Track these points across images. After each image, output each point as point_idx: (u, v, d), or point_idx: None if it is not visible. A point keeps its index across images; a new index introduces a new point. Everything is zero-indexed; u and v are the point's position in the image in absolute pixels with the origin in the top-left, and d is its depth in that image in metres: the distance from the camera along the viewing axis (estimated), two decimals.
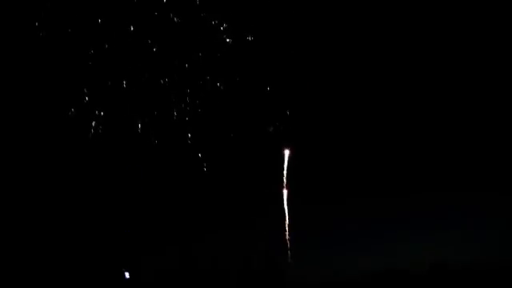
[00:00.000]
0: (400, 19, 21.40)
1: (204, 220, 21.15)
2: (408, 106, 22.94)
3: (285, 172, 21.68)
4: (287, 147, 21.67)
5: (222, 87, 20.92)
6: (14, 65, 20.03)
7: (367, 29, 21.52)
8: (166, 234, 20.83)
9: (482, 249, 21.68)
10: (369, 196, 22.67)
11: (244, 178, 21.78)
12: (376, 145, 23.07)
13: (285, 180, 21.57)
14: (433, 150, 22.95)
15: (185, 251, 20.57)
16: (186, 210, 21.19)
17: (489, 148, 22.65)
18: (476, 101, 22.47)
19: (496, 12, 21.02)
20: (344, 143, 22.79)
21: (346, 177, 22.94)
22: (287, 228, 21.71)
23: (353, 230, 22.35)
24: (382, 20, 21.39)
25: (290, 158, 21.80)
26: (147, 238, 20.50)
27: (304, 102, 22.26)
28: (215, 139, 21.73)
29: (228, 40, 20.67)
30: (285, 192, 21.43)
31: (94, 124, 20.32)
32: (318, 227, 22.33)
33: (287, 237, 21.45)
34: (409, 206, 22.27)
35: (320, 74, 22.34)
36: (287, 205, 21.79)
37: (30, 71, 20.37)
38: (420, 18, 21.41)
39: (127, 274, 19.01)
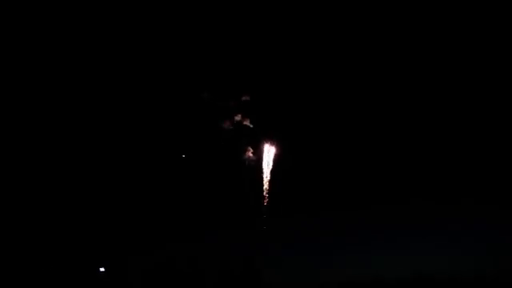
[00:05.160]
0: (400, 20, 21.52)
1: (185, 223, 22.09)
2: (393, 117, 22.97)
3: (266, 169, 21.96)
4: (269, 142, 21.86)
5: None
6: (14, 65, 21.41)
7: (366, 30, 21.77)
8: (150, 236, 21.98)
9: (466, 260, 21.32)
10: (347, 208, 22.84)
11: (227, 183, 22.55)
12: (359, 157, 23.22)
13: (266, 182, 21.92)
14: (413, 161, 22.92)
15: (166, 253, 21.57)
16: (168, 213, 22.26)
17: (475, 159, 22.31)
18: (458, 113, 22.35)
19: (496, 12, 20.78)
20: (329, 155, 23.17)
21: (329, 188, 23.14)
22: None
23: (330, 240, 22.54)
24: (381, 21, 21.57)
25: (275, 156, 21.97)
26: (131, 240, 21.76)
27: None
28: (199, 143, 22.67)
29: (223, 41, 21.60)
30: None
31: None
32: (296, 236, 22.72)
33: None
34: (389, 218, 22.41)
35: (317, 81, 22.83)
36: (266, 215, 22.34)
37: (30, 71, 21.72)
38: (420, 20, 21.46)
39: (102, 269, 20.30)
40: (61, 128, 21.74)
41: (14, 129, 21.24)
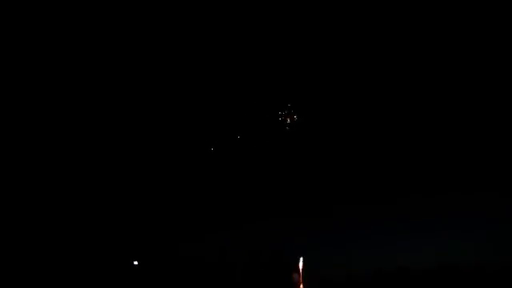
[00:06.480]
0: (400, 21, 21.81)
1: (214, 214, 22.31)
2: (397, 107, 23.15)
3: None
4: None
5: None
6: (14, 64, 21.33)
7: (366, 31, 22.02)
8: (177, 226, 22.22)
9: (492, 249, 21.68)
10: (373, 199, 23.13)
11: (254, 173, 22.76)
12: (371, 147, 23.48)
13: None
14: (428, 152, 23.21)
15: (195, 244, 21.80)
16: (196, 203, 22.48)
17: (486, 148, 22.67)
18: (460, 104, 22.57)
19: (496, 12, 21.10)
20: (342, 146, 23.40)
21: (355, 180, 23.52)
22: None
23: (355, 231, 22.84)
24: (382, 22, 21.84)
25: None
26: (160, 229, 21.99)
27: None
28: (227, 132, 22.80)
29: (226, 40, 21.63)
30: None
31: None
32: (319, 227, 23.06)
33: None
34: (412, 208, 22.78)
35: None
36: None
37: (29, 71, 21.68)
38: (420, 20, 21.75)
39: (135, 262, 20.69)
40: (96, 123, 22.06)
41: (14, 129, 21.24)
